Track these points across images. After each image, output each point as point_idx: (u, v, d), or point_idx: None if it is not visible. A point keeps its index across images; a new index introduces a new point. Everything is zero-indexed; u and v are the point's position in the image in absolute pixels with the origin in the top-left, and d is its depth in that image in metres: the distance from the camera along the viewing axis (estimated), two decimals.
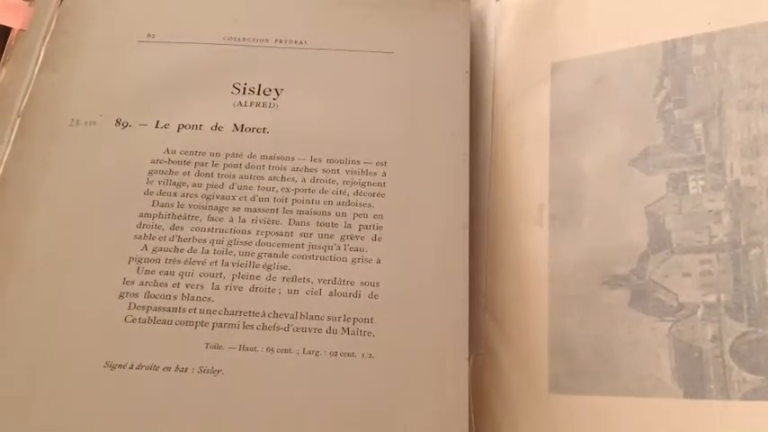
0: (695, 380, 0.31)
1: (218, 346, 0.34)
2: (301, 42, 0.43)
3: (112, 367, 0.34)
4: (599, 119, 0.38)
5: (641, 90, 0.37)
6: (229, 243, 0.36)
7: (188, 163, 0.39)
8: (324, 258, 0.36)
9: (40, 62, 0.42)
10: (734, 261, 0.32)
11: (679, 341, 0.32)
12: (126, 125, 0.40)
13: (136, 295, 0.35)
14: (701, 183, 0.34)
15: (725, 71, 0.35)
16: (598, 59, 0.39)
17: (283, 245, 0.36)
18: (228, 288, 0.35)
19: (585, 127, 0.38)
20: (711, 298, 0.32)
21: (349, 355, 0.34)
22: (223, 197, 0.38)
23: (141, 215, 0.37)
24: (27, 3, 0.44)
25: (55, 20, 0.43)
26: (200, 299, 0.35)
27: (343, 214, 0.37)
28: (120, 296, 0.35)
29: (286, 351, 0.34)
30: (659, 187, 0.35)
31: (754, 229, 0.32)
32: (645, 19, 0.38)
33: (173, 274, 0.36)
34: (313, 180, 0.38)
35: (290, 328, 0.35)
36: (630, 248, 0.34)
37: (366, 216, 0.37)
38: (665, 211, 0.34)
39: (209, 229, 0.37)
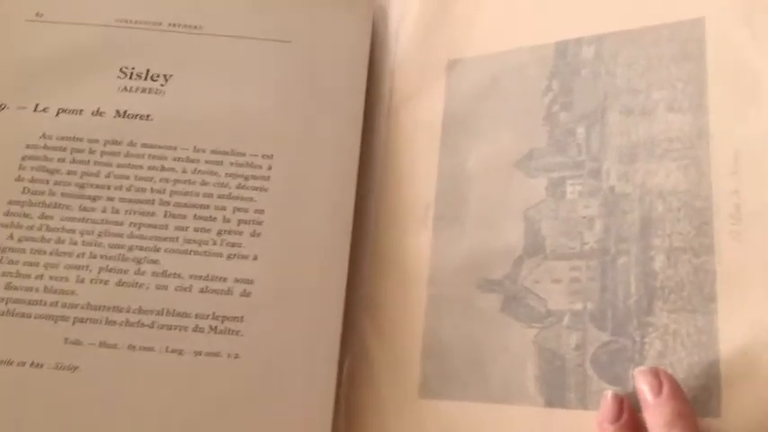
0: (556, 388, 0.31)
1: (77, 342, 0.33)
2: (196, 27, 0.41)
3: None
4: (489, 119, 0.37)
5: (531, 91, 0.36)
6: (99, 234, 0.35)
7: (64, 149, 0.37)
8: (198, 253, 0.35)
9: None
10: (602, 269, 0.31)
11: (544, 348, 0.32)
12: (3, 107, 0.38)
13: None
14: (579, 188, 0.33)
15: (611, 74, 0.35)
16: (493, 58, 0.38)
17: (156, 238, 0.35)
18: (94, 281, 0.34)
19: (476, 127, 0.37)
20: (578, 306, 0.31)
21: (214, 354, 0.33)
22: (97, 186, 0.36)
23: (10, 203, 0.36)
24: None
25: None
26: (62, 292, 0.34)
27: (223, 208, 0.36)
28: None
29: (148, 349, 0.33)
30: (539, 191, 0.34)
31: (623, 237, 0.31)
32: (540, 18, 0.38)
33: (37, 265, 0.34)
34: (194, 171, 0.37)
35: (155, 326, 0.33)
36: (506, 252, 0.34)
37: (246, 210, 0.36)
38: (542, 215, 0.34)
39: (79, 219, 0.35)
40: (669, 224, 0.31)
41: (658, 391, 0.27)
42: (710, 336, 0.28)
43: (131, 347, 0.33)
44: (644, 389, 0.28)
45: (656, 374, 0.28)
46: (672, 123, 0.32)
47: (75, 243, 0.35)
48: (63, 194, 0.36)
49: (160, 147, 0.37)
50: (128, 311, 0.34)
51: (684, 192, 0.31)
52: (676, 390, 0.27)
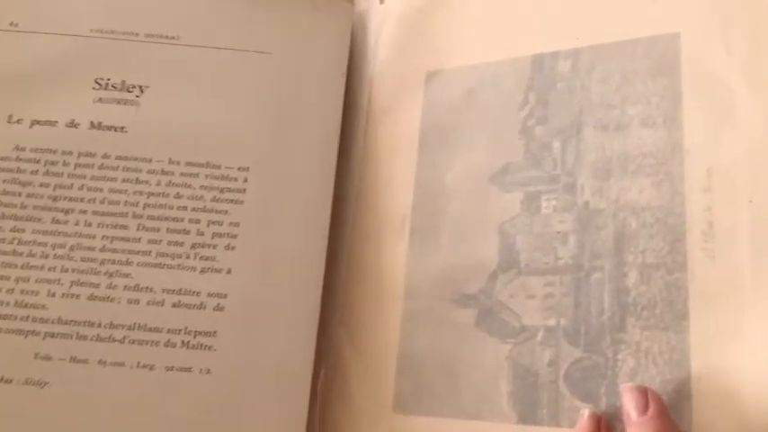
0: (529, 405, 0.30)
1: (47, 357, 0.33)
2: (173, 38, 0.41)
3: None
4: (466, 131, 0.37)
5: (507, 104, 0.36)
6: (71, 248, 0.35)
7: (37, 161, 0.37)
8: (171, 267, 0.35)
9: None
10: (576, 284, 0.31)
11: (518, 364, 0.31)
12: None
13: None
14: (553, 203, 0.33)
15: (586, 89, 0.34)
16: (471, 70, 0.38)
17: (128, 251, 0.35)
18: (65, 296, 0.34)
19: (453, 139, 0.37)
20: (552, 321, 0.31)
21: (185, 369, 0.33)
22: (71, 199, 0.36)
23: None
24: None
25: None
26: (33, 306, 0.33)
27: (197, 221, 0.36)
28: None
29: (119, 364, 0.33)
30: (514, 205, 0.34)
31: (597, 253, 0.31)
32: (518, 31, 0.38)
33: (8, 279, 0.34)
34: (169, 184, 0.37)
35: (126, 341, 0.33)
36: (481, 267, 0.34)
37: (221, 224, 0.36)
38: (516, 230, 0.33)
39: (51, 233, 0.35)
40: (642, 240, 0.30)
41: (644, 409, 0.27)
42: (682, 354, 0.28)
43: (102, 363, 0.33)
44: (629, 405, 0.27)
45: (644, 393, 0.27)
46: (646, 139, 0.32)
47: (47, 256, 0.35)
48: (35, 207, 0.36)
49: (135, 159, 0.37)
50: (99, 326, 0.33)
51: (658, 208, 0.31)
52: (662, 410, 0.27)
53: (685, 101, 0.32)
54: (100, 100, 0.39)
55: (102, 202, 0.36)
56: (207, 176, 0.37)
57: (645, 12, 0.35)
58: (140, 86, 0.39)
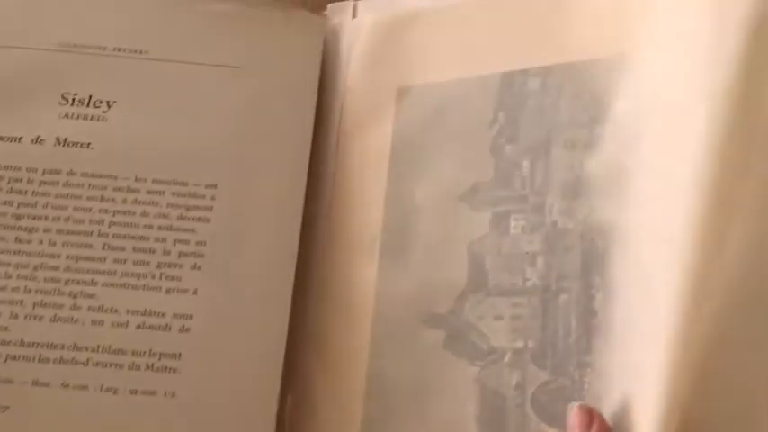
0: (497, 429, 0.30)
1: (8, 381, 0.32)
2: (142, 52, 0.40)
3: None
4: (437, 149, 0.37)
5: (477, 122, 0.36)
6: (35, 268, 0.34)
7: (1, 179, 0.36)
8: (136, 287, 0.34)
9: None
10: (543, 306, 0.31)
11: (485, 387, 0.31)
12: None
13: None
14: (522, 223, 0.33)
15: (556, 107, 0.34)
16: (441, 87, 0.38)
17: (93, 271, 0.34)
18: (28, 317, 0.33)
19: (424, 157, 0.37)
20: (519, 343, 0.31)
21: (150, 393, 0.32)
22: (34, 217, 0.35)
23: None
24: None
25: None
26: None
27: (163, 240, 0.35)
28: None
29: (82, 388, 0.32)
30: (483, 225, 0.34)
31: (564, 274, 0.31)
32: (488, 48, 0.38)
33: None
34: (135, 201, 0.36)
35: (90, 363, 0.32)
36: (450, 287, 0.33)
37: (188, 242, 0.35)
38: (485, 250, 0.33)
39: (15, 252, 0.34)
40: (609, 262, 0.30)
41: (586, 429, 0.27)
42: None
43: (65, 386, 0.32)
44: (573, 425, 0.27)
45: (588, 413, 0.28)
46: (612, 158, 0.32)
47: (10, 277, 0.34)
48: None
49: (100, 176, 0.36)
50: (62, 348, 0.33)
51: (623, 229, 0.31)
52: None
53: (646, 120, 0.32)
54: (66, 116, 0.38)
55: (66, 220, 0.35)
56: (174, 194, 0.36)
57: (613, 30, 0.34)
58: (107, 102, 0.39)
